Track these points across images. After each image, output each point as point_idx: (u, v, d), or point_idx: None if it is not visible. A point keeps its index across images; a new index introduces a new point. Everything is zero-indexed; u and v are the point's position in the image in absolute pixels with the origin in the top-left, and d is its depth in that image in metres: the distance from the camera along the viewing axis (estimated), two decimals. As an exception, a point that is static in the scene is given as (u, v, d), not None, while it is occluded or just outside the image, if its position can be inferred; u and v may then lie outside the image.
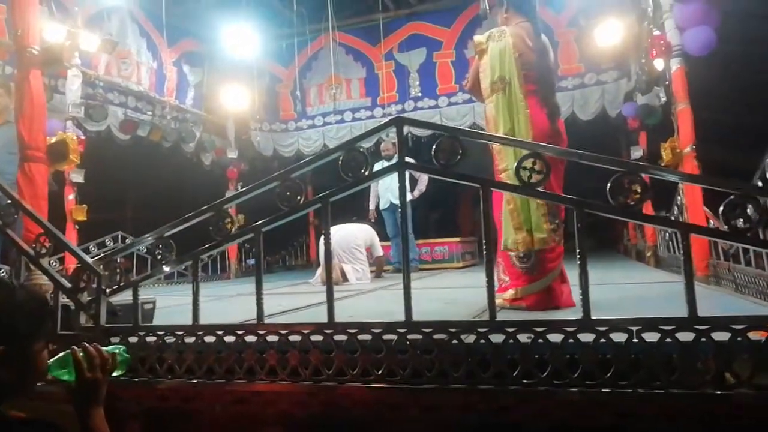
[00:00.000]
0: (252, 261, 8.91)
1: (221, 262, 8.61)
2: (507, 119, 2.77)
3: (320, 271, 5.76)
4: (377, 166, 6.58)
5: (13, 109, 3.78)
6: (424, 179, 7.03)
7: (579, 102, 7.61)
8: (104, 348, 1.39)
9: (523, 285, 2.74)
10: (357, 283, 5.56)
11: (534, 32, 2.91)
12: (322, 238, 2.33)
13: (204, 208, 2.37)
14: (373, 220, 7.09)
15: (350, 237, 5.90)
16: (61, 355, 1.33)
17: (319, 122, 9.05)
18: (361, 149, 2.19)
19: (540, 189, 2.02)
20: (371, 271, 6.11)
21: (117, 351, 1.41)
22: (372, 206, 7.36)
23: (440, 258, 7.73)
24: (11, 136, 3.47)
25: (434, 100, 8.42)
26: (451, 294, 4.00)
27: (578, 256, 1.88)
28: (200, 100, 8.38)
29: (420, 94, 8.50)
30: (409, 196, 6.88)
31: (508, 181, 2.57)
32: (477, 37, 2.97)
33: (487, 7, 3.20)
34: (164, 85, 7.74)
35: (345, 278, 5.63)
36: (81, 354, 1.33)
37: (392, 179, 6.56)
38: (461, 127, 7.03)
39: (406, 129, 2.14)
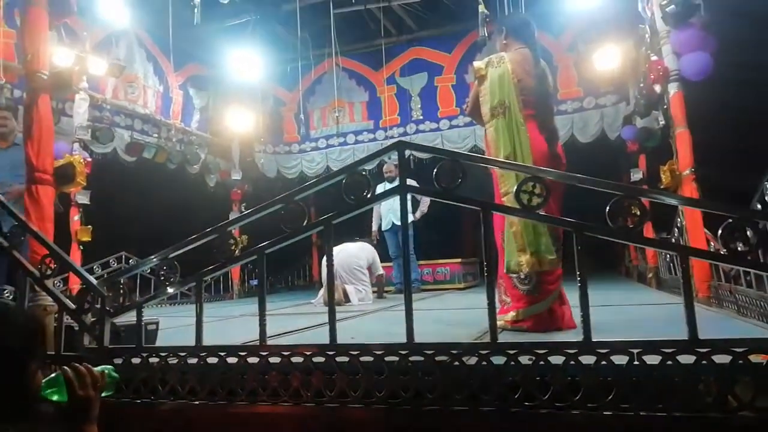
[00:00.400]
0: (255, 282, 8.90)
1: (224, 283, 8.61)
2: (507, 143, 2.79)
3: (323, 291, 5.76)
4: (380, 188, 6.66)
5: (20, 131, 3.83)
6: (425, 201, 7.09)
7: (578, 125, 7.67)
8: (94, 368, 1.38)
9: (524, 307, 2.73)
10: (359, 304, 5.55)
11: (533, 58, 2.95)
12: (325, 258, 2.34)
13: (208, 230, 2.38)
14: (375, 242, 7.11)
15: (352, 258, 5.90)
16: (52, 375, 1.33)
17: (323, 144, 9.19)
18: (364, 172, 2.23)
19: (540, 212, 2.04)
20: (373, 292, 6.10)
21: (105, 371, 1.41)
22: (375, 227, 7.40)
23: (442, 279, 7.75)
24: (18, 159, 3.50)
25: (436, 123, 8.57)
26: (452, 315, 3.98)
27: (579, 278, 1.89)
28: (205, 123, 8.51)
29: (421, 117, 8.65)
30: (410, 218, 6.91)
31: (509, 204, 2.58)
32: (476, 63, 3.01)
33: (486, 34, 3.26)
34: (170, 108, 7.86)
35: (347, 299, 5.62)
36: (71, 373, 1.33)
37: (394, 200, 6.32)
38: (462, 151, 7.06)
39: (407, 152, 2.16)
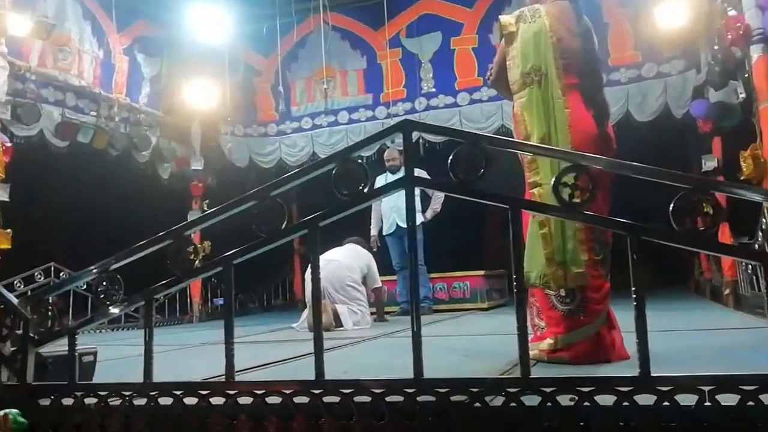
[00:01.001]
0: (221, 300, 8.94)
1: (181, 302, 8.63)
2: (542, 120, 2.80)
3: (307, 313, 5.76)
4: (380, 181, 6.64)
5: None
6: (439, 196, 7.08)
7: (635, 99, 7.67)
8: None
9: (565, 332, 2.74)
10: (354, 329, 5.55)
11: (575, 12, 2.95)
12: (310, 270, 2.34)
13: (160, 234, 2.37)
14: (375, 248, 7.14)
15: (343, 270, 5.90)
16: None
17: (307, 125, 9.22)
18: (360, 160, 2.21)
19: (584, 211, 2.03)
20: (371, 313, 6.10)
21: (10, 416, 1.40)
22: (374, 231, 7.40)
23: (459, 296, 7.74)
24: None
25: (452, 96, 8.56)
26: (472, 344, 3.98)
27: (634, 296, 1.89)
28: (157, 98, 8.53)
29: (434, 90, 8.67)
30: (420, 218, 6.91)
31: (540, 199, 2.59)
32: (504, 18, 3.02)
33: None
34: (112, 78, 7.88)
35: (338, 323, 5.63)
36: None
37: (399, 197, 6.28)
38: (486, 133, 6.85)
39: (415, 135, 2.16)
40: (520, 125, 2.88)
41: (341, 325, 5.62)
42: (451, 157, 2.11)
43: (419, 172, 6.84)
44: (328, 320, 5.44)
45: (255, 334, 5.64)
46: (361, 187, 2.18)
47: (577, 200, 2.01)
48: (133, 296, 2.42)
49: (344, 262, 5.94)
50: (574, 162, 2.07)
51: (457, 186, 2.13)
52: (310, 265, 2.31)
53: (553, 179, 2.07)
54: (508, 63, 2.97)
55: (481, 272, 7.81)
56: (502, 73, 3.03)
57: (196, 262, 2.37)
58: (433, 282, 7.63)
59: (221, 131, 9.17)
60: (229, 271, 2.28)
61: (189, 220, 2.53)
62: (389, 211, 7.16)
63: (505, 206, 2.07)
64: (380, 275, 6.39)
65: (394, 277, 7.37)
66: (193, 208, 8.71)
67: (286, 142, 9.30)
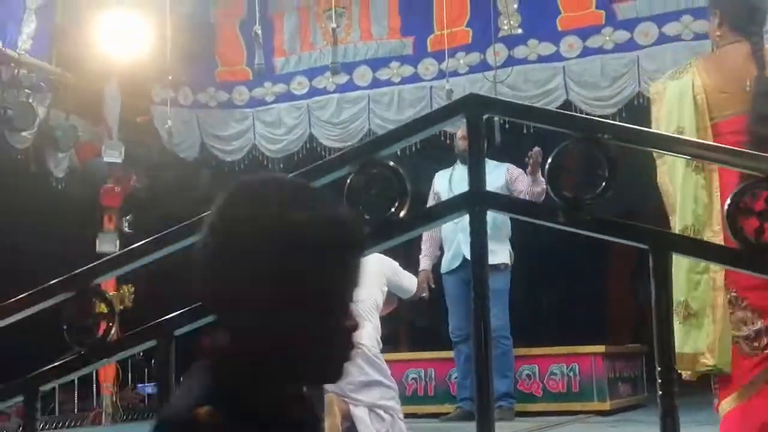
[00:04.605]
0: (149, 388, 6.77)
1: (84, 391, 6.51)
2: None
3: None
4: (441, 182, 5.42)
5: None
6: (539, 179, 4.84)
7: None
8: None
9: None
10: None
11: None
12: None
13: (52, 283, 1.81)
14: (426, 295, 4.96)
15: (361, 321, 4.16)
16: None
17: (301, 89, 6.46)
18: (391, 164, 1.62)
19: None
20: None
21: None
22: (425, 263, 5.17)
23: (561, 391, 5.37)
24: None
25: (552, 43, 5.89)
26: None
27: None
28: (47, 41, 6.47)
29: (520, 32, 6.00)
30: (501, 254, 4.88)
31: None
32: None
33: None
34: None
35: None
36: None
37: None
38: (612, 105, 5.83)
39: (486, 116, 1.74)
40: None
41: None
42: (550, 161, 1.55)
43: (497, 168, 5.28)
44: (334, 427, 3.85)
45: None
46: (393, 210, 1.58)
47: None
48: (6, 386, 1.85)
49: (363, 304, 4.07)
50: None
51: (562, 209, 1.56)
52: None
53: (728, 204, 1.52)
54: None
55: (601, 348, 5.50)
56: None
57: (111, 328, 1.82)
58: (519, 362, 5.29)
59: (154, 99, 6.60)
60: (168, 346, 1.71)
61: (99, 260, 1.88)
62: (451, 235, 4.97)
63: (642, 246, 1.53)
64: (429, 346, 5.13)
65: (449, 354, 5.28)
66: (105, 229, 6.53)
67: (264, 117, 6.57)
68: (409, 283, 4.43)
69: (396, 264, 4.33)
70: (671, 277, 1.59)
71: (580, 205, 1.53)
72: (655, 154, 2.71)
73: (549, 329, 6.33)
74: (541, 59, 5.83)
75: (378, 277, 4.22)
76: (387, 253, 4.27)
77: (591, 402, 5.20)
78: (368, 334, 3.98)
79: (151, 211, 6.38)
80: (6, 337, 2.01)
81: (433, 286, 5.03)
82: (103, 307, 1.89)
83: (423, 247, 5.15)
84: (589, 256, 6.56)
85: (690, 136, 2.64)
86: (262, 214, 0.85)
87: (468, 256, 4.33)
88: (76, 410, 6.32)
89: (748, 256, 1.49)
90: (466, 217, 1.60)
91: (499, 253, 4.68)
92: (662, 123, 2.81)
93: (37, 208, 6.15)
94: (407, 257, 5.01)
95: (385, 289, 4.23)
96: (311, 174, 1.74)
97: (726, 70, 2.76)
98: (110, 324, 1.82)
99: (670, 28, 5.49)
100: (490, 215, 1.68)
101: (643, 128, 1.80)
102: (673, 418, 1.46)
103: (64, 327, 1.77)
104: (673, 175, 2.71)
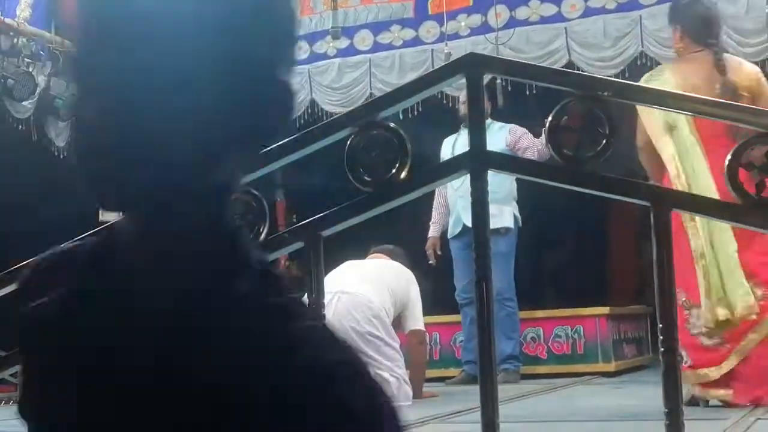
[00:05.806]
0: None
1: None
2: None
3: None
4: (446, 149, 5.20)
5: None
6: (536, 142, 4.87)
7: None
8: None
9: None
10: None
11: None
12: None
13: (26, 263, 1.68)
14: (433, 262, 5.03)
15: (361, 310, 4.01)
16: None
17: (301, 53, 6.09)
18: (392, 125, 1.57)
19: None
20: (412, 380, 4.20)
21: None
22: (435, 230, 5.15)
23: (566, 352, 5.31)
24: None
25: (553, 4, 5.79)
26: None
27: None
28: (46, 10, 6.31)
29: None
30: (505, 217, 4.88)
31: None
32: None
33: None
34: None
35: None
36: None
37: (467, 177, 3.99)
38: (613, 66, 5.65)
39: (487, 77, 1.80)
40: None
41: None
42: (550, 119, 1.49)
43: (500, 130, 5.18)
44: None
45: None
46: (394, 171, 1.54)
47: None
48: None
49: (362, 296, 4.07)
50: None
51: (563, 169, 1.54)
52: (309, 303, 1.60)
53: (728, 160, 1.46)
54: None
55: (605, 310, 5.37)
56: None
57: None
58: (525, 324, 5.19)
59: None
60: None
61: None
62: (455, 201, 4.88)
63: (644, 203, 1.50)
64: (435, 309, 4.86)
65: (455, 318, 5.21)
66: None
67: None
68: (417, 309, 4.24)
69: (416, 285, 4.26)
70: (671, 235, 1.55)
71: (581, 162, 1.51)
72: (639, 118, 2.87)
73: (553, 291, 6.24)
74: (543, 20, 5.74)
75: (400, 285, 4.22)
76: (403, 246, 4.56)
77: (596, 363, 5.17)
78: (375, 332, 3.97)
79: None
80: (7, 308, 1.93)
81: (439, 252, 5.02)
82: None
83: (433, 214, 5.13)
84: (592, 218, 6.46)
85: (682, 126, 2.88)
86: None
87: (467, 223, 4.55)
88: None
89: (748, 211, 1.46)
90: (466, 184, 1.58)
91: (499, 217, 4.61)
92: (653, 118, 2.91)
93: (38, 177, 6.11)
94: (415, 224, 5.12)
95: (403, 303, 4.18)
96: (311, 136, 1.72)
97: (696, 74, 3.00)
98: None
99: (673, -13, 5.26)
100: (491, 180, 1.66)
101: (641, 85, 1.78)
102: (676, 374, 1.45)
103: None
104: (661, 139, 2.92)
